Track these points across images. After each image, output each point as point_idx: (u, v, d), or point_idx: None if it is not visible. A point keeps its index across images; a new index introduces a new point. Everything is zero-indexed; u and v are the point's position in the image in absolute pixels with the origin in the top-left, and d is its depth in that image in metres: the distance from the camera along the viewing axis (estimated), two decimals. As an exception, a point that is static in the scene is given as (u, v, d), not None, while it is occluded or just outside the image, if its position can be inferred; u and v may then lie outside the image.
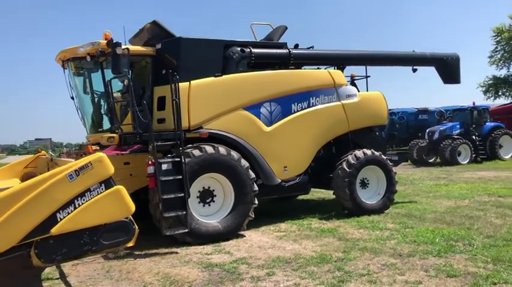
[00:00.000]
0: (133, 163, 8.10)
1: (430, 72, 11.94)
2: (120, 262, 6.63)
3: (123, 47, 7.55)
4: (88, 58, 7.93)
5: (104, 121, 8.77)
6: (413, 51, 11.28)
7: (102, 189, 4.81)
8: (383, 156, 9.62)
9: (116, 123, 8.05)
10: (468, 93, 78.99)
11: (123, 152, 9.07)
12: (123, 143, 7.97)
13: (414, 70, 11.32)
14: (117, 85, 8.37)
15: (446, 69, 11.62)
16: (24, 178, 9.41)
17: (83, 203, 4.71)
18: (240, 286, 5.35)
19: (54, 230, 4.56)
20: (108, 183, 4.86)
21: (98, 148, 8.54)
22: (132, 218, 5.12)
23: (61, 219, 4.60)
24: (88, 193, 4.74)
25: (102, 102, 8.75)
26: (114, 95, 8.18)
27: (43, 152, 11.92)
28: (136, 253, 7.02)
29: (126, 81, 7.90)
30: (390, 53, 11.15)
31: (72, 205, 4.66)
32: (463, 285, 4.92)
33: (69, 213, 4.63)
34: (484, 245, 6.41)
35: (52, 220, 4.55)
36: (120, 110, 8.42)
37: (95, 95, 8.74)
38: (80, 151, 11.08)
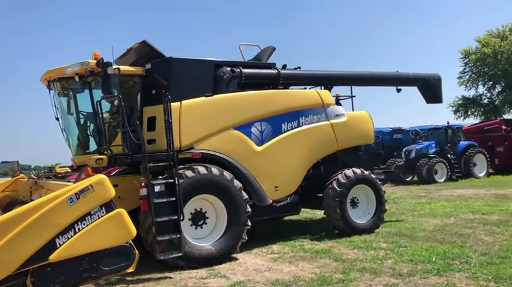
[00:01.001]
0: (122, 185, 7.82)
1: (402, 93, 12.00)
2: (113, 288, 6.36)
3: (114, 67, 7.42)
4: (76, 78, 7.76)
5: (90, 142, 8.55)
6: (397, 71, 11.49)
7: (102, 212, 4.64)
8: (372, 175, 9.66)
9: (104, 144, 7.85)
10: (439, 113, 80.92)
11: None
12: (112, 164, 7.74)
13: (398, 90, 11.54)
14: (105, 106, 8.17)
15: (429, 89, 11.89)
16: (2, 202, 9.06)
17: (83, 228, 4.53)
18: (244, 311, 5.19)
19: (53, 257, 4.34)
20: (108, 206, 4.69)
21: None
22: (132, 243, 4.92)
23: (60, 245, 4.39)
24: (88, 216, 4.56)
25: (89, 123, 8.55)
26: (101, 115, 8.00)
27: (22, 175, 11.55)
28: (128, 278, 6.73)
29: (116, 102, 7.73)
30: (376, 74, 11.34)
31: (72, 230, 4.47)
32: (470, 304, 4.91)
33: (68, 238, 4.44)
34: (481, 263, 6.44)
35: (51, 246, 4.35)
36: (108, 131, 8.21)
37: (81, 116, 8.54)
38: (52, 172, 10.78)
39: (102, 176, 4.86)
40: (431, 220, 10.56)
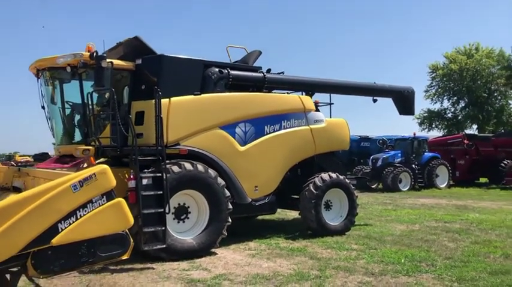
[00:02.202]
0: None
1: (370, 102, 12.50)
2: (98, 276, 6.56)
3: (107, 60, 7.59)
4: (68, 69, 7.87)
5: (76, 133, 8.66)
6: (375, 83, 12.04)
7: (103, 201, 4.84)
8: (346, 180, 10.14)
9: (92, 136, 8.00)
10: (404, 124, 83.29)
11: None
12: (100, 155, 7.90)
13: (374, 100, 12.09)
14: (94, 97, 8.30)
15: (403, 101, 12.49)
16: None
17: (84, 215, 4.71)
18: (230, 300, 5.50)
19: (55, 241, 4.53)
20: (109, 195, 4.90)
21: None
22: (128, 231, 5.15)
23: (62, 230, 4.58)
24: (90, 204, 4.75)
25: (75, 114, 8.65)
26: (91, 107, 8.14)
27: (-3, 161, 11.46)
28: (112, 267, 6.93)
29: (107, 95, 7.89)
30: (354, 83, 11.85)
31: (74, 216, 4.65)
32: (437, 301, 5.38)
33: (70, 224, 4.62)
34: (445, 266, 6.97)
35: (53, 231, 4.52)
36: (95, 122, 8.32)
37: (67, 106, 8.63)
38: (12, 160, 10.80)
39: (104, 166, 5.05)
40: (397, 225, 11.13)
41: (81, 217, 4.69)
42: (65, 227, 4.60)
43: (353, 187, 10.28)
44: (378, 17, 75.75)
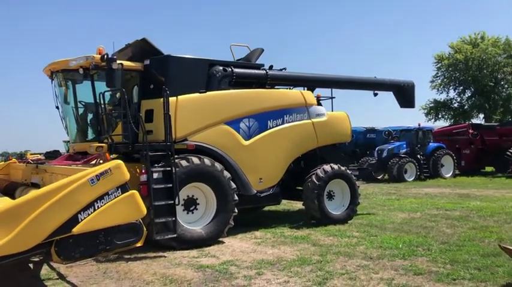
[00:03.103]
0: None
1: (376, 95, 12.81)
2: (114, 264, 7.04)
3: (118, 62, 8.03)
4: (81, 71, 8.31)
5: (89, 131, 9.13)
6: (375, 77, 12.38)
7: (118, 193, 5.29)
8: (348, 171, 10.54)
9: (104, 133, 8.46)
10: (411, 114, 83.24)
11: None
12: (112, 152, 8.36)
13: (375, 94, 12.43)
14: (105, 97, 8.76)
15: (403, 94, 12.81)
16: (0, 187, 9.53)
17: (101, 206, 5.16)
18: (236, 283, 5.95)
19: (76, 230, 4.99)
20: (124, 188, 5.35)
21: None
22: (141, 221, 5.61)
23: (82, 220, 5.03)
24: (106, 196, 5.20)
25: (88, 113, 9.12)
26: (103, 106, 8.59)
27: (14, 159, 12.04)
28: (126, 256, 7.43)
29: (119, 95, 8.35)
30: (355, 78, 12.20)
31: (92, 207, 5.11)
32: (428, 281, 5.79)
33: (89, 214, 5.07)
34: (440, 250, 7.36)
35: (74, 220, 4.98)
36: (107, 121, 8.77)
37: (80, 106, 9.09)
38: (23, 159, 11.35)
39: (119, 161, 5.50)
40: (399, 214, 11.51)
41: (98, 208, 5.14)
42: (85, 218, 5.05)
43: (355, 178, 10.67)
44: (381, 8, 75.62)
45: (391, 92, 12.81)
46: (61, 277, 6.51)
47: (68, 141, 32.84)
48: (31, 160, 11.54)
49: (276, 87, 10.75)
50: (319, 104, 11.25)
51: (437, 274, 6.03)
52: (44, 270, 6.91)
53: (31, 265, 7.23)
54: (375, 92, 12.42)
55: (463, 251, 7.24)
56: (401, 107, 13.02)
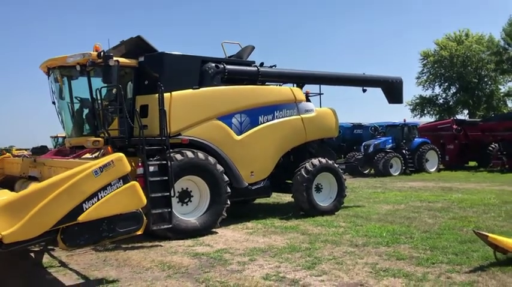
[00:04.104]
0: None
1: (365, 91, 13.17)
2: (113, 253, 7.37)
3: (114, 59, 8.31)
4: (78, 67, 8.58)
5: (85, 126, 9.41)
6: (364, 73, 12.77)
7: (120, 184, 5.60)
8: (335, 164, 10.96)
9: (101, 128, 8.75)
10: (397, 110, 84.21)
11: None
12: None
13: (364, 90, 12.78)
14: (102, 93, 9.03)
15: (392, 91, 13.18)
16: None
17: (104, 196, 5.46)
18: (231, 268, 6.32)
19: (81, 218, 5.29)
20: (125, 179, 5.66)
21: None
22: (141, 210, 5.94)
23: (86, 209, 5.33)
24: (109, 187, 5.51)
25: (84, 108, 9.39)
26: (99, 102, 8.87)
27: (8, 154, 12.26)
28: (124, 246, 7.76)
29: (115, 90, 8.64)
30: (344, 75, 12.57)
31: (96, 197, 5.41)
32: (410, 265, 6.22)
33: (93, 204, 5.37)
34: (422, 238, 7.82)
35: (79, 209, 5.28)
36: (103, 116, 9.05)
37: (76, 101, 9.36)
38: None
39: (120, 154, 5.81)
40: (384, 206, 11.98)
41: (102, 197, 5.44)
42: (89, 207, 5.34)
43: (341, 171, 11.10)
44: (369, 6, 76.32)
45: (380, 89, 13.18)
46: (63, 264, 6.83)
47: (56, 137, 32.77)
48: (17, 155, 11.70)
49: (266, 83, 11.10)
50: (308, 100, 11.65)
51: (417, 259, 6.46)
52: (46, 258, 7.22)
53: (32, 254, 7.53)
54: (364, 88, 12.80)
55: (442, 238, 7.70)
56: (389, 103, 13.42)
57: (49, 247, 7.52)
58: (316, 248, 7.28)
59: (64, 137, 12.54)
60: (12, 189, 8.25)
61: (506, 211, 10.33)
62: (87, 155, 9.30)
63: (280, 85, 11.42)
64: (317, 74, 11.96)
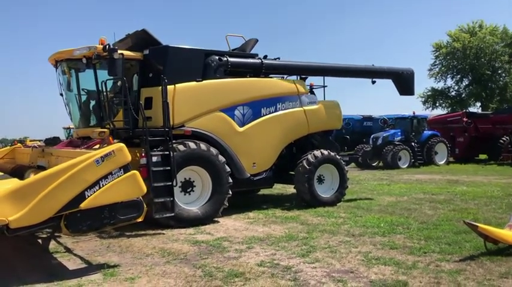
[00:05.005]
0: None
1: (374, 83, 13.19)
2: (116, 240, 7.65)
3: (119, 52, 8.54)
4: (84, 60, 8.81)
5: (92, 117, 9.68)
6: (373, 65, 12.76)
7: (121, 173, 5.85)
8: (337, 156, 11.10)
9: (106, 119, 9.01)
10: (409, 102, 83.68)
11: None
12: (114, 137, 8.91)
13: (373, 82, 12.81)
14: (107, 85, 9.28)
15: (402, 82, 13.13)
16: (5, 168, 10.12)
17: (106, 184, 5.71)
18: (228, 255, 6.55)
19: (83, 205, 5.55)
20: (126, 168, 5.91)
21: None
22: (142, 198, 6.17)
23: (88, 196, 5.59)
24: (110, 175, 5.76)
25: (91, 100, 9.66)
26: (104, 94, 9.12)
27: (19, 144, 12.61)
28: (127, 233, 8.04)
29: (120, 83, 8.87)
30: (351, 66, 12.59)
31: (98, 185, 5.66)
32: (402, 253, 6.37)
33: (95, 192, 5.63)
34: (418, 229, 7.95)
35: (82, 197, 5.54)
36: (109, 107, 9.30)
37: (83, 93, 9.62)
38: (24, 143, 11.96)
39: (121, 144, 6.05)
40: (387, 197, 12.09)
41: (103, 186, 5.70)
42: (91, 194, 5.61)
43: (344, 163, 11.24)
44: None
45: (390, 80, 13.11)
46: (68, 250, 7.12)
47: (68, 128, 33.34)
48: (37, 145, 12.04)
49: (270, 76, 11.24)
50: (312, 92, 11.78)
51: (410, 248, 6.61)
52: (52, 245, 7.52)
53: (40, 241, 7.85)
54: (373, 80, 12.78)
55: (438, 229, 7.82)
56: (400, 94, 13.41)
57: (56, 234, 7.82)
58: (313, 238, 7.46)
59: (75, 128, 12.83)
60: (22, 178, 8.57)
61: (507, 204, 10.39)
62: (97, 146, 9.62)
63: (283, 78, 11.54)
64: (323, 66, 12.02)
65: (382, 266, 5.82)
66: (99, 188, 5.69)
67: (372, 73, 12.90)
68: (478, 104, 44.77)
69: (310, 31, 78.94)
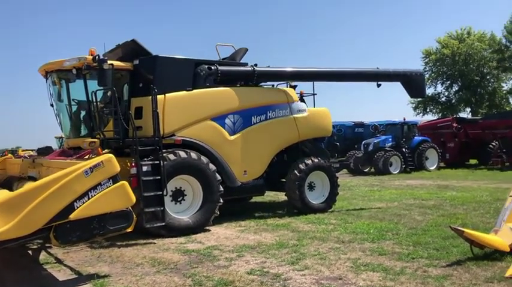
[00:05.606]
0: None
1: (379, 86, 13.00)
2: (107, 250, 7.65)
3: (108, 62, 8.59)
4: (74, 71, 8.86)
5: (82, 127, 9.70)
6: (377, 68, 12.76)
7: (110, 183, 5.87)
8: (328, 163, 11.18)
9: (97, 129, 9.03)
10: (399, 108, 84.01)
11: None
12: (104, 147, 8.92)
13: (378, 85, 12.77)
14: (97, 95, 9.31)
15: (411, 84, 13.07)
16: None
17: (95, 195, 5.73)
18: (218, 264, 6.57)
19: (72, 216, 5.57)
20: (115, 179, 5.93)
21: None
22: (131, 208, 6.20)
23: (78, 207, 5.60)
24: (99, 186, 5.78)
25: (81, 110, 9.68)
26: (95, 104, 9.15)
27: (10, 155, 12.57)
28: (118, 243, 8.04)
29: (110, 93, 8.91)
30: (356, 70, 12.66)
31: (87, 196, 5.68)
32: (390, 260, 6.44)
33: (84, 202, 5.65)
34: (407, 234, 8.02)
35: (71, 208, 5.55)
36: (99, 117, 9.32)
37: (73, 103, 9.64)
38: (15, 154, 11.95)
39: (110, 155, 6.08)
40: (377, 203, 12.19)
41: (92, 196, 5.72)
42: (80, 205, 5.62)
43: (334, 170, 11.32)
44: (371, 5, 76.33)
45: (399, 83, 13.05)
46: (58, 261, 7.11)
47: (60, 137, 33.32)
48: (23, 156, 12.03)
49: (260, 84, 11.32)
50: (302, 100, 11.87)
51: (399, 254, 6.68)
52: (42, 255, 7.51)
53: (30, 252, 7.83)
54: (379, 83, 12.71)
55: (427, 235, 7.90)
56: (411, 97, 13.56)
57: (46, 245, 7.81)
58: (303, 245, 7.51)
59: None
60: (12, 189, 8.55)
61: (495, 208, 10.49)
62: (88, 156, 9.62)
63: (273, 86, 11.63)
64: (323, 71, 12.11)
65: (370, 272, 5.88)
66: (88, 199, 5.71)
67: (377, 76, 12.70)
68: (468, 109, 45.23)
69: (298, 39, 79.49)
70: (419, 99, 41.27)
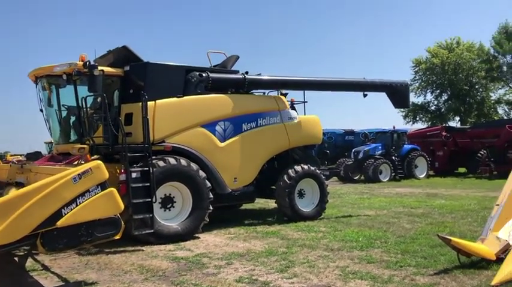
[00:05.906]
0: None
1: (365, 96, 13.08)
2: (95, 257, 7.60)
3: (99, 68, 8.57)
4: (64, 77, 8.83)
5: (72, 133, 9.65)
6: (364, 78, 12.85)
7: (98, 190, 5.84)
8: (318, 171, 11.22)
9: (86, 135, 8.99)
10: (389, 117, 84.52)
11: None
12: (93, 153, 8.89)
13: (365, 95, 12.85)
14: (87, 101, 9.28)
15: (396, 95, 13.19)
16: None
17: (83, 202, 5.69)
18: (207, 272, 6.55)
19: (60, 223, 5.52)
20: (103, 185, 5.90)
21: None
22: (119, 215, 6.16)
23: (65, 214, 5.56)
24: (87, 193, 5.74)
25: (71, 116, 9.63)
26: (85, 110, 9.12)
27: (-2, 161, 12.43)
28: (106, 250, 7.98)
29: (100, 99, 8.88)
30: (343, 80, 12.68)
31: (75, 203, 5.64)
32: (378, 268, 6.46)
33: (72, 209, 5.60)
34: (396, 242, 8.06)
35: (58, 215, 5.51)
36: (89, 123, 9.28)
37: (63, 109, 9.60)
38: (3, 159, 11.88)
39: (99, 161, 6.05)
40: (367, 211, 12.23)
41: (80, 203, 5.67)
42: (68, 212, 5.57)
43: (324, 177, 11.36)
44: (361, 14, 76.95)
45: (385, 93, 13.17)
46: (45, 268, 7.05)
47: (50, 143, 33.13)
48: (12, 161, 11.92)
49: (251, 92, 11.35)
50: (292, 108, 11.91)
51: (387, 262, 6.71)
52: (29, 262, 7.43)
53: (16, 259, 7.74)
54: (365, 93, 12.80)
55: (415, 243, 7.95)
56: (395, 107, 13.55)
57: (33, 251, 7.72)
58: (292, 253, 7.51)
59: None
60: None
61: (482, 217, 10.57)
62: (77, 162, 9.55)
63: (264, 93, 11.67)
64: (310, 80, 12.13)
65: (358, 280, 5.90)
66: (76, 205, 5.67)
67: (363, 86, 12.79)
68: (457, 118, 45.66)
69: (292, 47, 79.86)
70: (405, 108, 41.55)
